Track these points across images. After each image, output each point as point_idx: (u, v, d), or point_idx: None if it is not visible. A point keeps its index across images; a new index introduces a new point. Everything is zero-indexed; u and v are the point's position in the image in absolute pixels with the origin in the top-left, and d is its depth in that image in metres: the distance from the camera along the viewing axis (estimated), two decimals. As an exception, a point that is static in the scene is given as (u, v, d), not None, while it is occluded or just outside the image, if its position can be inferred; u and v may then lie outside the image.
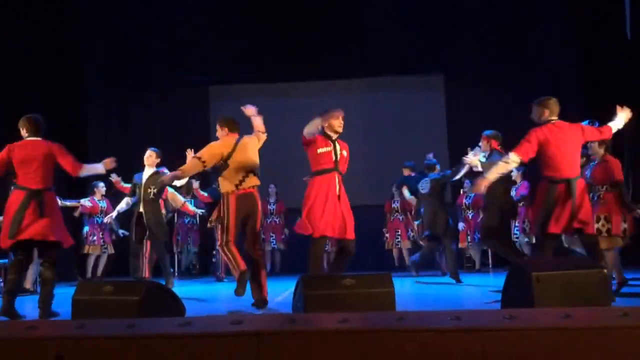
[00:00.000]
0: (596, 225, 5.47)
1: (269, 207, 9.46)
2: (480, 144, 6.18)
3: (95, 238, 8.50)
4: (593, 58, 8.92)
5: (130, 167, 9.96)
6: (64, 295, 6.14)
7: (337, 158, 4.96)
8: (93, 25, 9.84)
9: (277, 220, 9.53)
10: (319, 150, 4.98)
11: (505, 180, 5.95)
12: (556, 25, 9.48)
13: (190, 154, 5.99)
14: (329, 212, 4.80)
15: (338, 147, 4.98)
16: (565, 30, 9.42)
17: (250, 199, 4.90)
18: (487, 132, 6.16)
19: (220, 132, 5.23)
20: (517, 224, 8.18)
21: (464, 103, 9.96)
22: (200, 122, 10.06)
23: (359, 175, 8.68)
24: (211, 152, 4.97)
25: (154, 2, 9.86)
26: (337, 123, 5.02)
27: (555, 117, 4.79)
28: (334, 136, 5.01)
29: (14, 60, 8.33)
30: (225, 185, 4.93)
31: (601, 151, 5.61)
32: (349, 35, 9.73)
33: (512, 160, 4.71)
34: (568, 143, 4.70)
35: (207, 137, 8.73)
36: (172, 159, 7.97)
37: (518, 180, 8.30)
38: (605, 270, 3.52)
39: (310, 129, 4.98)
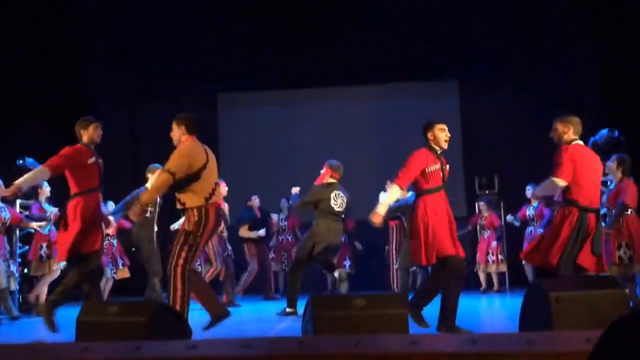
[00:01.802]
0: (617, 253, 5.34)
1: (280, 223, 9.07)
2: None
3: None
4: (613, 64, 8.75)
5: (137, 173, 9.97)
6: (68, 316, 6.09)
7: (444, 175, 4.62)
8: (100, 33, 9.85)
9: (289, 237, 9.04)
10: (428, 169, 4.54)
11: None
12: (574, 30, 9.30)
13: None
14: (435, 234, 4.44)
15: (443, 164, 4.63)
16: (583, 35, 9.25)
17: (220, 214, 4.52)
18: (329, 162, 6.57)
19: (176, 131, 4.45)
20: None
21: (479, 109, 9.85)
22: (208, 129, 10.00)
23: (372, 185, 8.54)
24: (182, 162, 4.24)
25: (161, 9, 9.81)
26: (444, 136, 4.65)
27: (577, 138, 4.43)
28: (439, 151, 4.65)
29: (22, 71, 8.34)
30: (194, 199, 4.25)
31: (619, 174, 5.47)
32: (361, 41, 9.62)
33: (559, 185, 4.27)
34: (596, 169, 4.41)
35: (216, 144, 8.67)
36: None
37: (533, 201, 8.08)
38: (627, 291, 3.39)
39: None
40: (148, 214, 6.05)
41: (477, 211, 8.99)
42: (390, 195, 4.66)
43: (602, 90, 8.88)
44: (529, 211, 8.11)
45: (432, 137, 4.69)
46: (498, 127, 9.65)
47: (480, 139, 9.73)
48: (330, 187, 6.37)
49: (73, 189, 4.68)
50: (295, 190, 7.00)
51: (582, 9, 9.22)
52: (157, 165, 6.29)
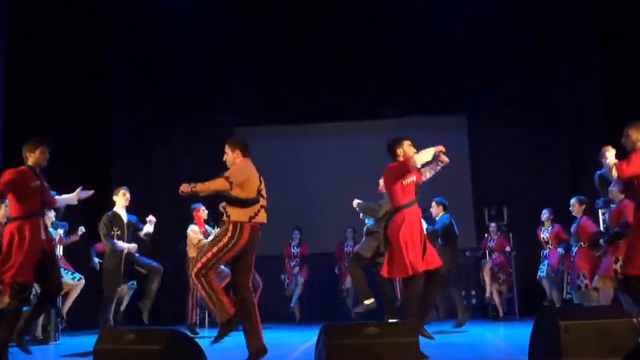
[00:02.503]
0: (614, 267, 5.47)
1: (292, 250, 9.34)
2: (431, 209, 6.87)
3: None
4: (619, 97, 8.83)
5: (152, 207, 10.09)
6: (87, 343, 6.15)
7: (417, 189, 5.09)
8: (119, 66, 10.01)
9: (299, 264, 9.29)
10: (405, 182, 4.99)
11: None
12: (581, 64, 9.40)
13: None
14: (415, 247, 4.88)
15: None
16: (590, 68, 9.35)
17: (258, 234, 4.43)
18: (437, 199, 6.81)
19: (230, 155, 4.54)
20: (545, 262, 8.05)
21: (487, 142, 9.94)
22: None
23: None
24: (240, 176, 4.34)
25: (177, 45, 10.03)
26: (412, 151, 5.14)
27: None
28: None
29: (38, 114, 8.53)
30: (239, 214, 4.31)
31: (621, 196, 5.57)
32: (371, 76, 9.79)
33: (619, 171, 4.36)
34: None
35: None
36: (193, 199, 8.00)
37: (547, 224, 8.07)
38: (634, 320, 3.42)
39: (424, 157, 4.96)
40: (115, 238, 6.19)
41: (485, 235, 9.01)
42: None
43: (610, 123, 8.99)
44: (543, 234, 8.13)
45: (401, 153, 5.08)
46: (506, 158, 9.74)
47: (489, 171, 9.82)
48: None
49: (13, 212, 4.67)
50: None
51: (589, 38, 9.34)
52: (123, 187, 6.40)
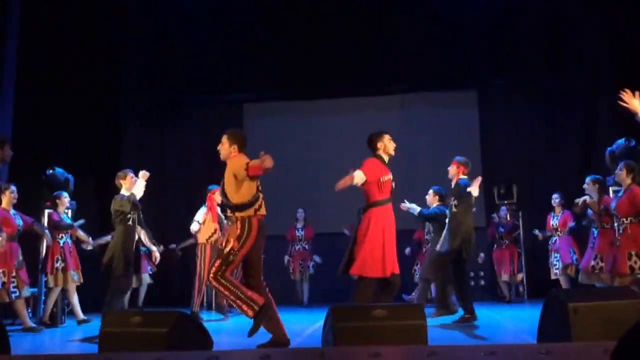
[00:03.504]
0: (628, 263, 5.30)
1: (297, 233, 9.16)
2: (449, 167, 6.23)
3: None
4: (632, 71, 8.71)
5: (165, 183, 10.10)
6: (93, 326, 6.17)
7: (394, 187, 4.86)
8: (130, 43, 10.02)
9: (305, 247, 9.14)
10: (383, 179, 4.76)
11: None
12: (592, 38, 9.27)
13: None
14: (391, 248, 4.63)
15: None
16: (601, 42, 9.21)
17: (265, 227, 4.38)
18: (458, 158, 6.22)
19: (226, 146, 4.46)
20: (556, 255, 7.95)
21: (498, 119, 9.83)
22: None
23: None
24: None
25: (187, 21, 9.97)
26: (392, 146, 4.93)
27: None
28: (387, 161, 4.88)
29: (50, 84, 8.53)
30: (245, 211, 4.29)
31: (628, 180, 5.43)
32: (381, 52, 9.68)
33: None
34: None
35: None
36: (205, 176, 7.96)
37: (558, 211, 7.98)
38: (643, 302, 3.37)
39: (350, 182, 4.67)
40: (130, 222, 5.86)
41: (496, 218, 8.90)
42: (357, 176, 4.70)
43: (620, 99, 8.85)
44: (553, 221, 8.01)
45: (382, 147, 4.89)
46: (517, 136, 9.63)
47: (499, 149, 9.72)
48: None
49: None
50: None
51: (600, 19, 9.20)
52: (128, 170, 6.06)
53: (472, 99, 10.17)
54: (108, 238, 6.40)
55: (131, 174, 6.01)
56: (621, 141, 6.26)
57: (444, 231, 6.15)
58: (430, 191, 7.06)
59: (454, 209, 6.01)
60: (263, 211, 4.34)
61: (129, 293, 6.19)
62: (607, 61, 9.13)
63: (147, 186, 5.91)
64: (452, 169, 6.16)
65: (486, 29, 9.49)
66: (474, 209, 6.25)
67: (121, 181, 5.99)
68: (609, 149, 6.35)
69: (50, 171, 7.10)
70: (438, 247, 6.24)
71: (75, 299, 6.88)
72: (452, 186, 6.17)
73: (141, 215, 5.99)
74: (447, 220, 6.12)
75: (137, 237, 6.05)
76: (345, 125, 10.06)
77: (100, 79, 9.40)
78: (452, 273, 6.00)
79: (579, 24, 9.41)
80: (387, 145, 4.90)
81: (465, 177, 6.08)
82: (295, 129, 10.32)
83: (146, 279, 7.79)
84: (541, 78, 9.63)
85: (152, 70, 10.16)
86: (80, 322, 6.80)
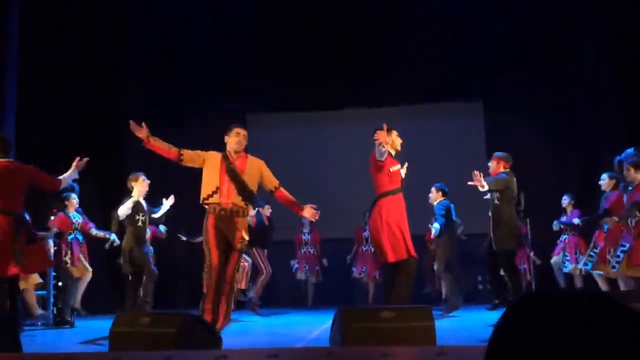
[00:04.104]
0: None
1: (303, 237, 9.34)
2: (489, 163, 6.27)
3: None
4: (635, 83, 8.71)
5: (165, 193, 10.04)
6: (103, 327, 6.20)
7: (403, 177, 5.04)
8: (133, 52, 10.02)
9: (311, 250, 9.30)
10: (392, 169, 4.93)
11: None
12: (597, 46, 9.24)
13: None
14: (407, 231, 4.83)
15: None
16: (606, 50, 9.18)
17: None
18: (498, 154, 6.23)
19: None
20: (566, 254, 7.94)
21: (504, 129, 9.80)
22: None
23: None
24: None
25: (191, 30, 10.00)
26: (399, 141, 5.09)
27: None
28: (394, 154, 5.05)
29: (51, 93, 8.56)
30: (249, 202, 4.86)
31: (638, 175, 5.45)
32: (386, 63, 9.70)
33: None
34: None
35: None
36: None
37: (569, 210, 7.98)
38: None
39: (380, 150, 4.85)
40: (140, 223, 6.02)
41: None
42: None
43: (626, 108, 8.85)
44: (563, 220, 8.02)
45: (389, 142, 4.99)
46: (523, 144, 9.57)
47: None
48: (512, 175, 6.17)
49: None
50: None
51: (604, 29, 9.17)
52: (140, 173, 6.21)
53: (478, 108, 10.20)
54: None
55: (143, 177, 6.08)
56: (630, 150, 6.23)
57: (492, 227, 6.10)
58: (433, 188, 7.20)
59: (496, 202, 6.02)
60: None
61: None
62: (611, 68, 9.10)
63: (148, 195, 6.05)
64: (493, 164, 6.19)
65: (491, 39, 9.52)
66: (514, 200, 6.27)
67: (132, 183, 6.08)
68: (617, 158, 6.33)
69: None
70: (493, 245, 6.06)
71: (81, 288, 6.92)
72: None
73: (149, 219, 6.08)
74: (490, 214, 6.13)
75: (146, 238, 6.15)
76: (349, 136, 10.08)
77: (101, 88, 9.42)
78: (498, 265, 6.02)
79: (584, 29, 9.40)
80: (394, 141, 5.03)
81: (507, 170, 6.10)
82: (298, 139, 10.35)
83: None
84: (546, 86, 9.63)
85: (154, 79, 10.16)
86: (36, 317, 6.52)
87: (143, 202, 6.22)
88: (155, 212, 6.38)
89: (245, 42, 9.92)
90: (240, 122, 10.21)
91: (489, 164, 6.24)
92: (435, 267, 7.72)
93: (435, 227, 6.96)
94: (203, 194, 4.68)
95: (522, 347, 0.67)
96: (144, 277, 5.92)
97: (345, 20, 9.65)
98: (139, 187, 6.10)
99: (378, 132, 4.79)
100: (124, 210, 5.93)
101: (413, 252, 4.82)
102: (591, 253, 6.56)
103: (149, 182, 6.17)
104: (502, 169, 6.08)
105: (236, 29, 9.92)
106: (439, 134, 10.09)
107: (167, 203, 6.46)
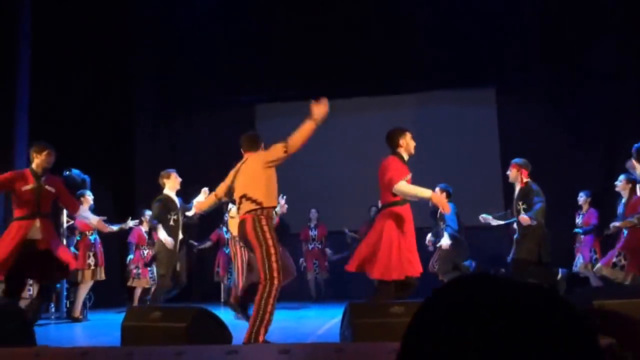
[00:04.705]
0: None
1: (310, 232, 9.25)
2: (509, 172, 5.89)
3: (140, 271, 8.05)
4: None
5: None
6: (114, 321, 6.24)
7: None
8: (141, 46, 10.03)
9: (319, 246, 9.23)
10: (405, 179, 4.39)
11: None
12: (612, 32, 9.07)
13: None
14: (408, 249, 4.32)
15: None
16: (621, 36, 9.02)
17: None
18: (517, 160, 5.87)
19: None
20: (578, 255, 7.77)
21: (518, 118, 9.65)
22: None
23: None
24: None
25: (200, 22, 9.97)
26: (413, 144, 4.62)
27: None
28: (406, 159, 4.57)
29: (63, 85, 8.59)
30: (270, 201, 4.26)
31: None
32: (398, 51, 9.55)
33: None
34: None
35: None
36: (217, 177, 7.98)
37: (585, 208, 7.73)
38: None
39: (411, 192, 4.38)
40: (172, 222, 5.85)
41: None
42: (417, 190, 4.42)
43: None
44: (578, 219, 7.78)
45: (404, 144, 4.57)
46: (537, 134, 9.43)
47: (519, 147, 9.47)
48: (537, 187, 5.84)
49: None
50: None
51: (627, 9, 8.99)
52: (170, 170, 6.07)
53: (491, 96, 10.03)
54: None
55: (175, 173, 6.00)
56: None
57: (517, 237, 5.81)
58: (437, 189, 6.91)
59: (523, 213, 5.67)
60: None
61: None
62: (628, 51, 8.89)
63: (158, 187, 6.00)
64: (513, 173, 5.84)
65: (504, 24, 9.33)
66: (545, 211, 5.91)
67: (165, 180, 5.94)
68: (635, 145, 6.21)
69: (67, 172, 7.14)
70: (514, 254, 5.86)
71: (83, 295, 6.97)
72: (518, 190, 5.86)
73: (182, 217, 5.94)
74: (515, 227, 5.87)
75: (181, 237, 5.94)
76: (359, 126, 9.99)
77: (112, 78, 9.44)
78: (539, 279, 5.59)
79: (604, 15, 9.19)
80: (409, 144, 4.59)
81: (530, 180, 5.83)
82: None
83: (145, 282, 8.06)
84: (561, 73, 9.43)
85: (164, 72, 10.14)
86: (75, 319, 6.75)
87: (176, 199, 5.97)
88: (189, 209, 5.99)
89: (252, 34, 9.83)
90: (250, 114, 10.34)
91: (508, 172, 5.90)
92: (435, 268, 7.57)
93: (445, 241, 6.75)
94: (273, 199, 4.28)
95: (436, 334, 0.65)
96: (156, 284, 5.82)
97: (355, 7, 9.54)
98: (171, 183, 5.89)
99: (435, 195, 4.44)
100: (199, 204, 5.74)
101: (411, 273, 4.31)
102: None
103: (180, 179, 5.99)
104: (524, 178, 5.78)
105: (242, 21, 9.87)
106: (450, 122, 9.93)
107: (200, 197, 6.07)
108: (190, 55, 10.01)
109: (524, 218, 5.48)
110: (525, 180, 5.78)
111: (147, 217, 7.76)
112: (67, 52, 8.53)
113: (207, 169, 10.00)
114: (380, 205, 4.68)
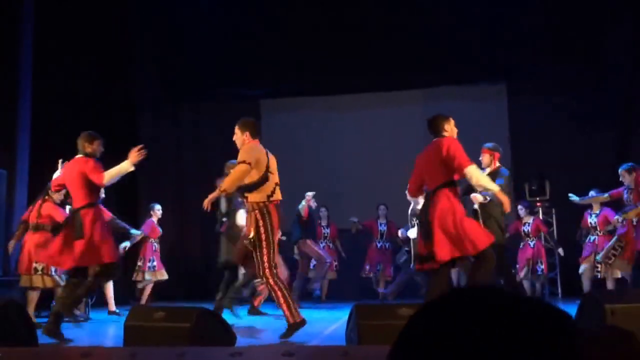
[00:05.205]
0: None
1: (322, 231, 9.03)
2: (481, 157, 5.72)
3: (155, 264, 7.98)
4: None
5: (181, 178, 9.95)
6: (116, 319, 6.21)
7: None
8: (145, 39, 9.97)
9: (330, 245, 8.99)
10: None
11: None
12: (624, 26, 8.92)
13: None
14: (471, 224, 4.29)
15: None
16: (633, 29, 8.85)
17: (280, 212, 4.48)
18: (488, 145, 5.74)
19: (240, 136, 4.58)
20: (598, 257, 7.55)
21: (528, 112, 9.48)
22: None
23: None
24: (252, 155, 4.39)
25: (205, 16, 9.88)
26: (456, 131, 4.71)
27: None
28: None
29: (66, 75, 8.57)
30: (256, 196, 4.36)
31: None
32: (407, 46, 9.39)
33: None
34: None
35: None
36: (221, 172, 7.96)
37: (596, 208, 7.43)
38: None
39: (483, 182, 4.42)
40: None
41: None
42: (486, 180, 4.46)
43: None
44: (591, 219, 7.44)
45: (449, 130, 4.58)
46: (548, 129, 9.26)
47: (530, 143, 9.36)
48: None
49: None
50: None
51: (634, 9, 8.85)
52: (233, 161, 6.21)
53: (501, 91, 9.88)
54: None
55: (232, 163, 6.08)
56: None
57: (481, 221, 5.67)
58: None
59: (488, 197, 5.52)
60: (277, 197, 4.43)
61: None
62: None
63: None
64: (486, 158, 5.70)
65: (515, 18, 9.18)
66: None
67: (230, 171, 6.06)
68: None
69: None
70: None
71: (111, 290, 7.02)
72: (487, 174, 5.57)
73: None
74: (477, 207, 5.67)
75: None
76: (366, 121, 9.85)
77: (115, 73, 9.38)
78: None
79: (617, 9, 9.03)
80: (453, 130, 4.60)
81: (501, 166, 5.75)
82: (313, 125, 10.06)
83: (162, 273, 8.01)
84: (572, 67, 9.25)
85: (168, 65, 10.07)
86: (111, 312, 6.91)
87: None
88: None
89: (256, 29, 9.72)
90: (255, 108, 10.26)
91: (480, 158, 5.72)
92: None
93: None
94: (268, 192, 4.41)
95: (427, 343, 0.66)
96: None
97: (363, 1, 9.43)
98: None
99: (501, 192, 4.44)
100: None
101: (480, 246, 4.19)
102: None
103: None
104: (497, 163, 5.69)
105: (248, 16, 9.78)
106: (459, 118, 9.74)
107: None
108: (195, 50, 9.92)
109: (475, 197, 5.30)
110: (497, 164, 5.69)
111: (157, 211, 7.89)
112: (69, 46, 8.49)
113: (211, 164, 9.95)
114: (428, 187, 4.50)
